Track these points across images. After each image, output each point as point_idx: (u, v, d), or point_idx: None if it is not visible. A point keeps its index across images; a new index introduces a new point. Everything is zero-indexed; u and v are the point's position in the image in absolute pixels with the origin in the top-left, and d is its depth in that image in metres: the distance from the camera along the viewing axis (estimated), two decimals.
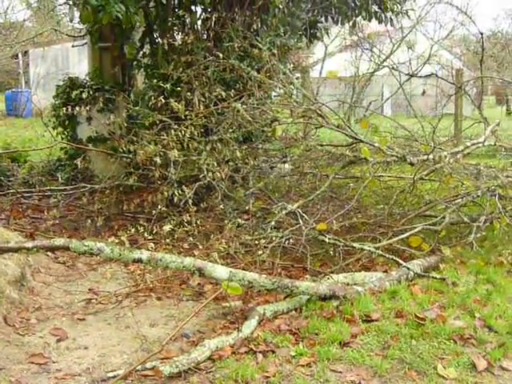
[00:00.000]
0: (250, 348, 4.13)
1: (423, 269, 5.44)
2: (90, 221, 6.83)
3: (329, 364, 3.90)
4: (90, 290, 5.30)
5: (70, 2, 6.92)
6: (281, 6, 7.77)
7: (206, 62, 7.01)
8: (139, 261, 4.56)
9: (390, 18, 9.83)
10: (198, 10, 8.29)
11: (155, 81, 7.19)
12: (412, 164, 6.41)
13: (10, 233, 5.53)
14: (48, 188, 8.09)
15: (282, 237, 5.49)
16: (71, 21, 7.55)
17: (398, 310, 4.58)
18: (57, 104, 8.94)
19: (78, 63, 22.58)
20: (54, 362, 4.08)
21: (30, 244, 4.48)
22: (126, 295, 5.11)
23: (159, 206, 6.21)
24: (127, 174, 7.11)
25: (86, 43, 10.97)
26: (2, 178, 8.48)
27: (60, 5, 11.47)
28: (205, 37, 7.79)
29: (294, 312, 4.69)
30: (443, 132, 7.30)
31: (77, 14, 7.18)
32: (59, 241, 4.56)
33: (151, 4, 7.50)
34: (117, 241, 5.20)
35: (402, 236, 5.80)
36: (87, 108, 7.34)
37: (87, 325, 4.65)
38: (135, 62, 9.09)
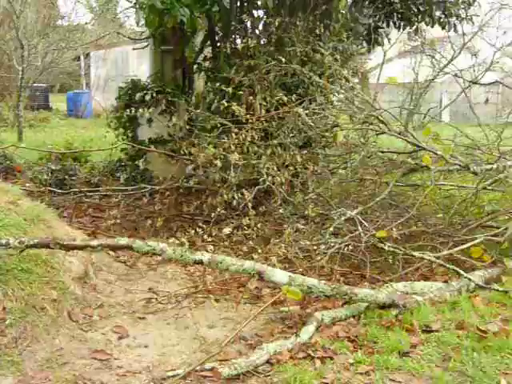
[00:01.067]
0: (308, 353, 4.12)
1: (484, 280, 5.33)
2: (149, 221, 6.93)
3: (388, 373, 3.86)
4: (149, 289, 5.37)
5: (137, 6, 7.04)
6: (343, 11, 7.75)
7: (268, 67, 7.03)
8: (200, 262, 4.61)
9: (454, 24, 9.67)
10: (260, 14, 8.35)
11: (217, 84, 7.24)
12: (475, 173, 6.30)
13: (75, 231, 5.65)
14: (109, 188, 8.23)
15: (341, 243, 5.46)
16: (137, 24, 7.66)
17: (458, 322, 4.50)
18: (119, 105, 9.10)
19: (138, 66, 22.96)
20: (115, 359, 4.16)
21: (95, 242, 4.57)
22: (185, 296, 5.17)
23: (218, 209, 6.26)
24: (187, 176, 7.19)
25: (146, 46, 11.16)
26: (65, 177, 8.66)
27: (126, 8, 11.65)
28: (266, 41, 7.81)
29: (352, 319, 4.66)
30: (506, 141, 7.14)
31: (142, 18, 7.29)
32: (123, 240, 4.64)
33: (214, 8, 7.56)
34: (177, 242, 5.27)
35: (463, 246, 5.70)
36: (150, 110, 7.46)
37: (147, 324, 4.72)
38: (196, 66, 9.21)
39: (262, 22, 8.10)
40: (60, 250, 4.59)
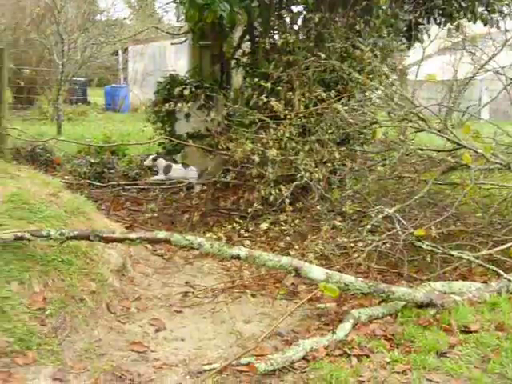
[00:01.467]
0: (345, 351, 4.10)
1: None
2: (186, 216, 6.97)
3: (425, 373, 3.81)
4: (186, 283, 5.40)
5: (178, 1, 7.07)
6: (384, 7, 7.68)
7: (307, 62, 7.01)
8: (237, 257, 4.62)
9: (496, 20, 9.52)
10: (299, 9, 8.33)
11: (255, 80, 7.24)
12: None
13: (114, 224, 5.71)
14: (147, 182, 8.29)
15: (378, 241, 5.42)
16: (177, 19, 7.72)
17: (498, 323, 4.42)
18: (157, 100, 9.15)
19: (175, 60, 23.08)
20: (152, 351, 4.20)
21: (134, 235, 4.61)
22: (222, 290, 5.18)
23: (255, 204, 6.26)
24: (224, 171, 7.20)
25: (184, 41, 11.21)
26: (104, 170, 8.76)
27: (167, 4, 11.72)
28: (305, 37, 7.78)
29: (388, 317, 4.62)
30: None
31: (182, 13, 7.33)
32: (161, 234, 4.68)
33: (254, 3, 7.57)
34: (214, 236, 5.29)
35: (503, 246, 5.61)
36: (189, 105, 7.49)
37: (184, 317, 4.75)
38: (234, 61, 9.22)
39: (302, 18, 8.08)
40: (99, 242, 4.64)
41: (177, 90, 7.76)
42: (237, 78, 9.78)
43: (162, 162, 8.04)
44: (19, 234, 4.41)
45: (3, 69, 9.26)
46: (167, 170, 7.99)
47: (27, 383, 3.70)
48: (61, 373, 3.84)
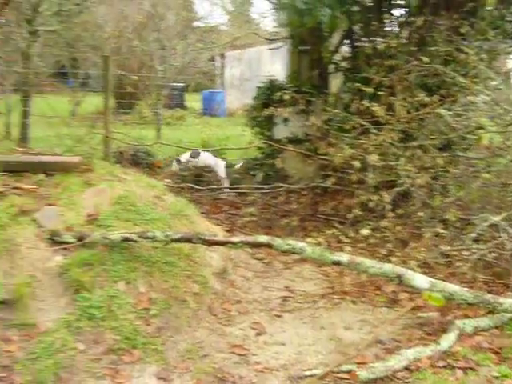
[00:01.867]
0: (449, 363, 4.00)
1: None
2: (284, 220, 6.98)
3: None
4: (285, 287, 5.40)
5: (278, 7, 7.12)
6: (490, 9, 7.45)
7: (409, 67, 6.88)
8: (338, 263, 4.59)
9: None
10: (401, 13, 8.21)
11: (356, 84, 7.17)
12: None
13: (215, 227, 5.79)
14: (247, 186, 8.37)
15: (484, 249, 5.25)
16: (278, 25, 7.79)
17: None
18: (256, 105, 9.24)
19: (271, 65, 23.20)
20: (253, 355, 4.23)
21: (236, 239, 4.67)
22: (322, 296, 5.16)
23: (355, 210, 6.20)
24: (323, 176, 7.18)
25: (280, 47, 11.27)
26: (203, 173, 8.91)
27: (269, 10, 11.83)
28: (408, 41, 7.64)
29: (495, 330, 4.46)
30: None
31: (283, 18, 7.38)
32: (263, 238, 4.71)
33: (354, 8, 7.51)
34: (314, 242, 5.27)
35: None
36: (289, 110, 7.51)
37: (284, 322, 4.75)
38: (333, 65, 9.18)
39: (404, 21, 7.95)
40: (202, 244, 4.72)
41: (277, 95, 7.79)
42: (334, 82, 9.74)
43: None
44: (126, 236, 4.55)
45: (108, 75, 9.59)
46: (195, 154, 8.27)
47: (133, 380, 3.81)
48: (165, 372, 3.93)
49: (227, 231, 6.65)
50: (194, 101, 26.52)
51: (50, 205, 4.79)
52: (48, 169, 5.20)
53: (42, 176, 5.16)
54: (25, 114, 12.17)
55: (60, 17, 12.74)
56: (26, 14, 11.61)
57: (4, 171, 5.05)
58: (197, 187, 8.29)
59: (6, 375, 3.70)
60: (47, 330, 4.04)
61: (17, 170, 5.16)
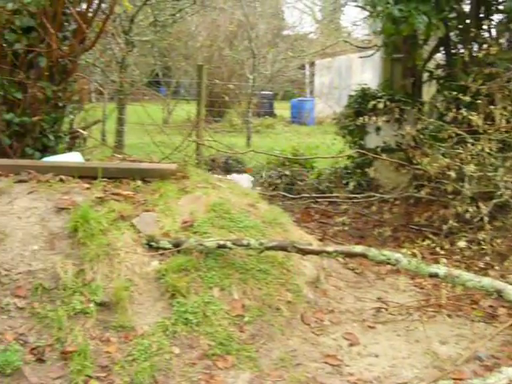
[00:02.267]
0: None
1: None
2: (377, 230, 6.90)
3: None
4: (378, 298, 5.32)
5: (374, 15, 7.07)
6: None
7: (510, 74, 6.67)
8: (435, 275, 4.49)
9: None
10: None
11: (452, 93, 7.01)
12: None
13: (308, 235, 5.78)
14: (339, 195, 8.32)
15: None
16: (373, 33, 7.75)
17: None
18: (347, 113, 9.19)
19: (361, 74, 23.04)
20: (346, 366, 4.18)
21: (330, 248, 4.65)
22: (416, 309, 5.05)
23: (450, 221, 6.07)
24: (417, 186, 7.05)
25: (372, 55, 11.18)
26: (294, 182, 8.93)
27: (364, 18, 11.78)
28: (508, 48, 7.43)
29: None
30: None
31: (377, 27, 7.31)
32: (358, 248, 4.67)
33: (452, 14, 7.36)
34: (409, 253, 5.17)
35: None
36: (383, 118, 7.43)
37: (377, 333, 4.68)
38: (427, 73, 9.03)
39: (503, 27, 7.73)
40: (296, 253, 4.72)
41: (371, 104, 7.73)
42: (428, 90, 9.58)
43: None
44: (221, 243, 4.60)
45: (202, 84, 9.79)
46: None
47: None
48: (258, 379, 3.95)
49: (320, 240, 6.63)
50: (282, 109, 26.66)
51: (147, 211, 4.91)
52: (145, 175, 5.33)
53: (139, 182, 5.30)
54: (120, 122, 12.59)
55: (155, 27, 13.11)
56: (123, 25, 12.03)
57: (103, 177, 5.22)
58: (289, 195, 8.31)
59: (105, 375, 3.81)
60: (144, 333, 4.14)
61: (115, 176, 5.31)
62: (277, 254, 4.84)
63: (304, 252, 4.69)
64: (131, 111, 12.15)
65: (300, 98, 26.46)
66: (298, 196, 8.43)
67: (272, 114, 25.44)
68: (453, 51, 8.46)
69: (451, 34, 8.43)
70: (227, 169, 10.13)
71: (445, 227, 6.08)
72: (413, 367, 4.20)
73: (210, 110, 20.38)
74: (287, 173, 9.18)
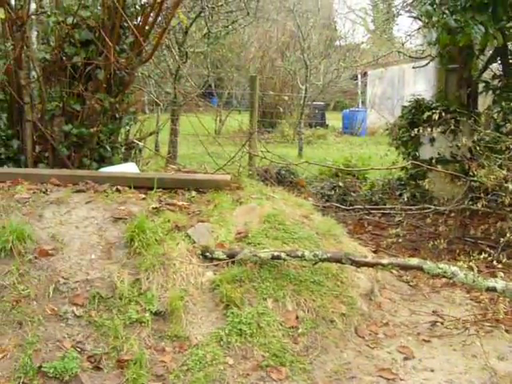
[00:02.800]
0: None
1: None
2: (431, 242, 6.80)
3: None
4: (434, 312, 5.25)
5: (429, 26, 7.01)
6: None
7: None
8: (493, 290, 4.42)
9: None
10: None
11: (510, 104, 6.89)
12: None
13: (362, 247, 5.75)
14: (391, 206, 8.25)
15: None
16: (429, 44, 7.70)
17: None
18: (401, 124, 9.11)
19: (413, 84, 22.81)
20: (401, 380, 4.13)
21: (385, 261, 4.61)
22: (473, 323, 4.96)
23: (507, 234, 5.95)
24: (472, 198, 6.94)
25: (425, 65, 11.06)
26: (347, 193, 8.89)
27: (418, 28, 11.70)
28: None
29: None
30: None
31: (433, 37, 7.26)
32: (413, 261, 4.63)
33: (510, 24, 7.24)
34: (465, 266, 5.09)
35: None
36: (438, 129, 7.34)
37: (432, 347, 4.61)
38: (483, 84, 8.90)
39: None
40: (351, 265, 4.70)
41: (425, 115, 7.64)
42: (484, 101, 9.45)
43: None
44: (276, 254, 4.61)
45: (255, 95, 9.84)
46: None
47: None
48: None
49: (373, 252, 6.58)
50: (334, 119, 26.60)
51: (202, 221, 4.95)
52: (200, 186, 5.39)
53: (194, 193, 5.36)
54: (173, 132, 12.74)
55: (208, 39, 13.24)
56: (177, 37, 12.20)
57: (158, 187, 5.29)
58: (342, 206, 8.28)
59: None
60: (198, 343, 4.17)
61: (171, 186, 5.39)
62: (330, 266, 4.83)
63: (359, 264, 4.66)
64: (184, 122, 12.28)
65: (352, 109, 26.37)
66: (351, 207, 8.39)
67: (323, 125, 25.41)
68: (510, 61, 8.31)
69: (508, 43, 8.28)
70: (280, 180, 10.13)
71: (502, 240, 5.96)
72: (470, 383, 4.12)
73: (262, 121, 20.50)
74: (340, 184, 9.14)
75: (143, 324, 4.17)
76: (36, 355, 3.90)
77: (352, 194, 9.06)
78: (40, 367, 3.82)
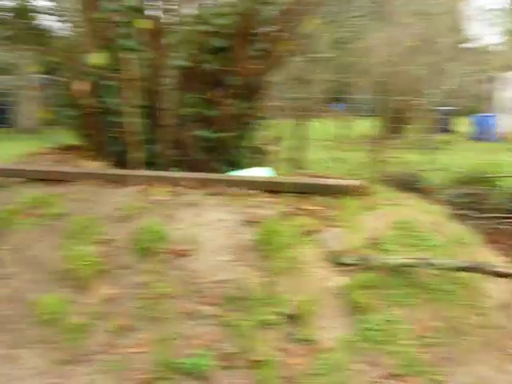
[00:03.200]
0: None
1: None
2: None
3: None
4: None
5: None
6: None
7: None
8: None
9: None
10: None
11: None
12: None
13: (496, 257, 5.53)
14: None
15: None
16: None
17: None
18: None
19: None
20: None
21: None
22: None
23: None
24: None
25: None
26: (479, 201, 8.59)
27: None
28: None
29: None
30: None
31: None
32: None
33: None
34: None
35: None
36: None
37: None
38: None
39: None
40: (491, 275, 4.54)
41: None
42: None
43: None
44: (407, 261, 4.53)
45: (382, 100, 9.69)
46: None
47: None
48: None
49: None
50: (461, 124, 25.78)
51: (332, 226, 4.95)
52: (331, 191, 5.38)
53: (323, 198, 5.36)
54: (301, 138, 12.80)
55: (336, 44, 13.21)
56: (305, 43, 12.25)
57: (289, 192, 5.34)
58: (473, 214, 8.00)
59: None
60: (327, 347, 4.18)
61: (301, 191, 5.41)
62: (463, 275, 4.68)
63: (500, 275, 4.49)
64: (311, 127, 12.29)
65: (482, 114, 25.44)
66: (484, 215, 8.09)
67: (451, 130, 24.66)
68: None
69: None
70: (407, 186, 9.94)
71: None
72: None
73: (389, 126, 20.17)
74: (471, 191, 8.84)
75: (274, 326, 4.23)
76: (171, 351, 4.05)
77: (484, 201, 8.73)
78: (174, 363, 3.96)
